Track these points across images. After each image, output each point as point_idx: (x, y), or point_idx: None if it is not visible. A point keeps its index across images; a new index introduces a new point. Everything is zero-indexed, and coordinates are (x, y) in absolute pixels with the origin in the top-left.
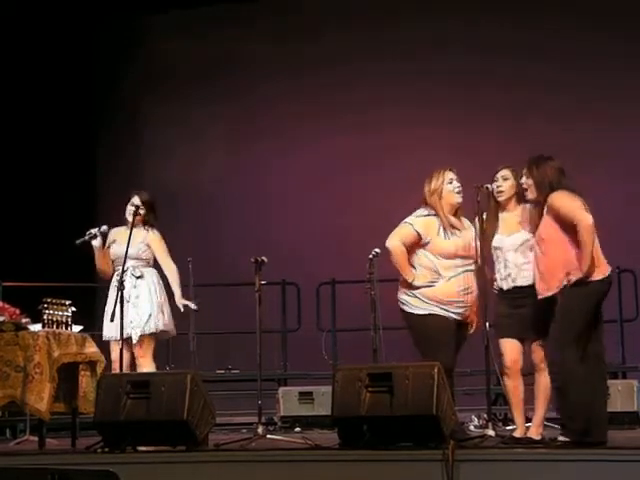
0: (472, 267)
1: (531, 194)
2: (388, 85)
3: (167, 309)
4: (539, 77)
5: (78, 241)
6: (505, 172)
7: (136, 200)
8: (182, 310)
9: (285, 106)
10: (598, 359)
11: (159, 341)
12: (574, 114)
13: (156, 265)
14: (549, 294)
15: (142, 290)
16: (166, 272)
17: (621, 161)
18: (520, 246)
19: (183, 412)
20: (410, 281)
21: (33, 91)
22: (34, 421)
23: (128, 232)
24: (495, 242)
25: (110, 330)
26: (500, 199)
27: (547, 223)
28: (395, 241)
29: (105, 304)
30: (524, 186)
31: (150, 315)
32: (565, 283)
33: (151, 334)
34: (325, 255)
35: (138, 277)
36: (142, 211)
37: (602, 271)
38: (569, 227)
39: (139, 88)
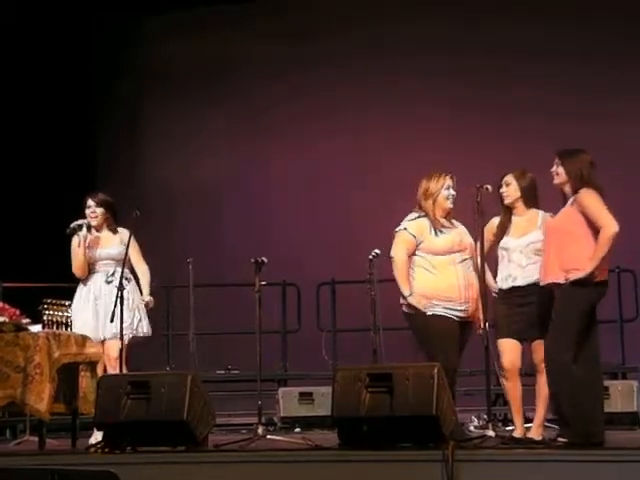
0: (469, 262)
1: (558, 179)
2: (388, 84)
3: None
4: (539, 75)
5: (68, 229)
6: (507, 178)
7: (91, 203)
8: (147, 306)
9: (285, 106)
10: (593, 360)
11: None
12: (575, 112)
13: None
14: (541, 283)
15: (136, 295)
16: (139, 273)
17: (620, 159)
18: (525, 247)
19: (183, 412)
20: (406, 295)
21: (33, 91)
22: (34, 421)
23: (100, 235)
24: (502, 243)
25: (105, 331)
26: (505, 202)
27: (568, 214)
28: (402, 253)
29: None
30: (553, 173)
31: (140, 319)
32: (562, 281)
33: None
34: (325, 255)
35: (130, 281)
36: (98, 214)
37: (602, 275)
38: (594, 226)
39: (139, 88)
